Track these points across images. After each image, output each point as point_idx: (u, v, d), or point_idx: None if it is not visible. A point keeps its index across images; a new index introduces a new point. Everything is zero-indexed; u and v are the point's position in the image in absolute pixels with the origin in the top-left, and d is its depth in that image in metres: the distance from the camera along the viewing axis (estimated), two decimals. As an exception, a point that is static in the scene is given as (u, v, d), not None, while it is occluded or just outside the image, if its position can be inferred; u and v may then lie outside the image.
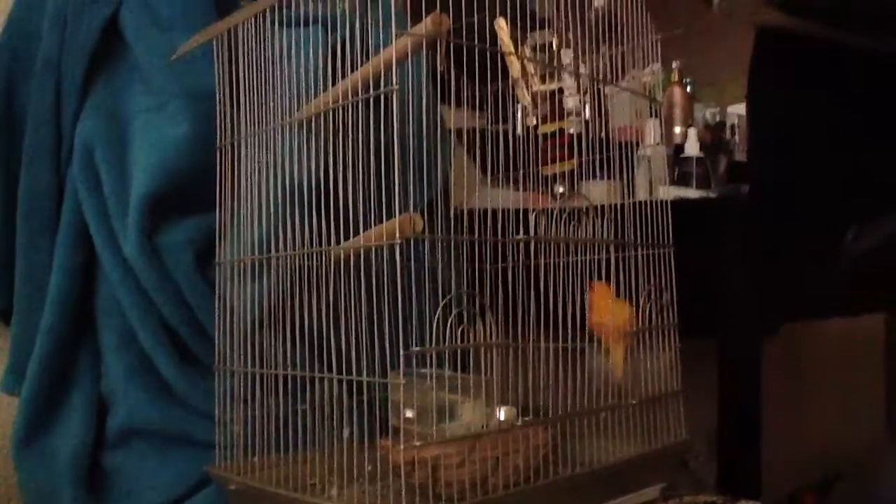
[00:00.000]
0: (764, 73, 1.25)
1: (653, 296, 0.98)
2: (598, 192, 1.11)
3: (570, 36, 1.00)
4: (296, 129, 0.94)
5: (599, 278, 0.95)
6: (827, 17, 1.11)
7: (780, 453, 1.63)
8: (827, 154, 1.25)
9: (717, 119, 1.92)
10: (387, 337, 0.78)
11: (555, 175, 1.12)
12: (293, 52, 0.95)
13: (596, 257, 0.96)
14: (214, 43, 1.00)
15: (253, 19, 0.95)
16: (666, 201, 1.01)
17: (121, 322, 1.10)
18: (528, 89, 1.18)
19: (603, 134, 1.08)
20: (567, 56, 1.22)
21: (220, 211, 1.00)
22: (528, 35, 1.42)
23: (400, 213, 0.76)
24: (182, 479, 1.05)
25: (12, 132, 1.18)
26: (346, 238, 0.87)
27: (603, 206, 0.97)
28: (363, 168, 0.84)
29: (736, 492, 1.33)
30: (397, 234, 0.75)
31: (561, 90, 1.21)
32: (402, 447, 0.76)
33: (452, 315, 0.77)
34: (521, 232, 0.90)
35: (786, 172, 1.28)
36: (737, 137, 1.82)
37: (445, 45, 0.79)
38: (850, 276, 1.32)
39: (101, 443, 1.10)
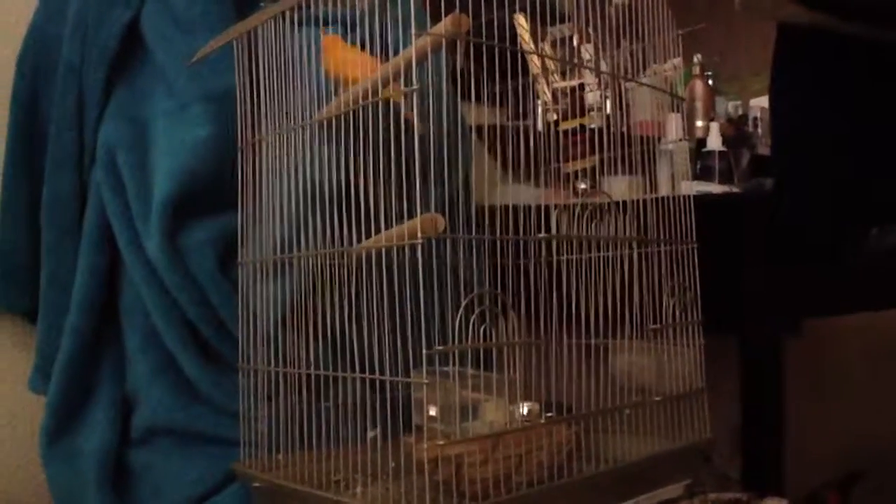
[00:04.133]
0: (787, 69, 1.24)
1: (676, 293, 0.97)
2: (619, 187, 1.10)
3: (591, 31, 1.00)
4: (316, 130, 0.94)
5: (622, 274, 0.95)
6: (848, 13, 1.09)
7: (803, 450, 1.62)
8: (851, 150, 1.24)
9: (739, 112, 1.91)
10: (409, 336, 0.78)
11: (576, 171, 1.12)
12: (313, 51, 0.96)
13: (618, 253, 0.95)
14: (234, 44, 1.01)
15: (272, 20, 0.95)
16: (688, 197, 1.00)
17: (145, 322, 1.11)
18: (548, 85, 1.18)
19: (624, 129, 1.07)
20: (587, 51, 1.21)
21: (242, 211, 1.01)
22: (548, 29, 1.41)
23: (421, 212, 0.76)
24: (207, 477, 1.05)
25: (36, 137, 1.19)
26: (368, 237, 0.87)
27: (625, 202, 0.97)
28: (383, 168, 0.84)
29: (759, 488, 1.32)
30: (419, 234, 0.75)
31: (581, 86, 1.20)
32: (425, 445, 0.76)
33: (475, 313, 0.77)
34: (543, 228, 0.90)
35: (809, 169, 1.27)
36: (759, 130, 1.81)
37: (465, 43, 0.79)
38: (874, 273, 1.30)
39: (126, 441, 1.11)
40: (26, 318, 1.24)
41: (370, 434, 0.87)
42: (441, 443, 0.77)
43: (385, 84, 0.84)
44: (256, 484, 0.93)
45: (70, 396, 1.12)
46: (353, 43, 1.00)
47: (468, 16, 0.79)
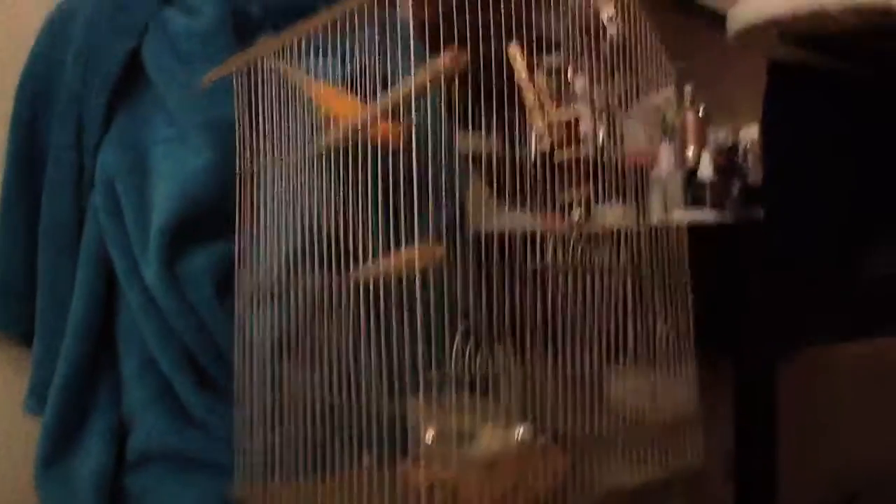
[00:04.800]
0: (778, 103, 1.26)
1: (669, 320, 0.98)
2: (612, 216, 1.11)
3: (584, 63, 1.02)
4: (314, 160, 0.95)
5: (614, 302, 0.96)
6: (842, 54, 1.12)
7: (796, 476, 1.62)
8: (842, 180, 1.25)
9: (730, 142, 1.93)
10: (406, 363, 0.78)
11: (570, 201, 1.13)
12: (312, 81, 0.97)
13: (611, 282, 0.96)
14: (234, 75, 1.02)
15: (273, 52, 0.97)
16: (682, 225, 1.02)
17: (141, 348, 1.11)
18: (543, 118, 1.19)
19: (617, 159, 1.09)
20: (580, 82, 1.23)
21: (239, 239, 1.02)
22: (541, 59, 1.43)
23: (419, 241, 0.77)
24: (201, 503, 1.06)
25: (35, 162, 1.20)
26: (365, 265, 0.88)
27: (618, 231, 0.98)
28: (381, 197, 0.85)
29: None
30: (417, 264, 0.76)
31: (577, 120, 1.21)
32: (422, 471, 0.77)
33: (470, 341, 0.78)
34: (537, 257, 0.91)
35: (801, 199, 1.28)
36: (749, 160, 1.83)
37: (461, 77, 0.80)
38: (868, 300, 1.32)
39: (121, 466, 1.11)
40: (22, 339, 1.24)
41: (364, 461, 0.88)
42: (437, 469, 0.77)
43: (384, 116, 0.86)
44: (252, 510, 0.93)
45: (66, 420, 1.12)
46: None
47: (464, 46, 0.80)
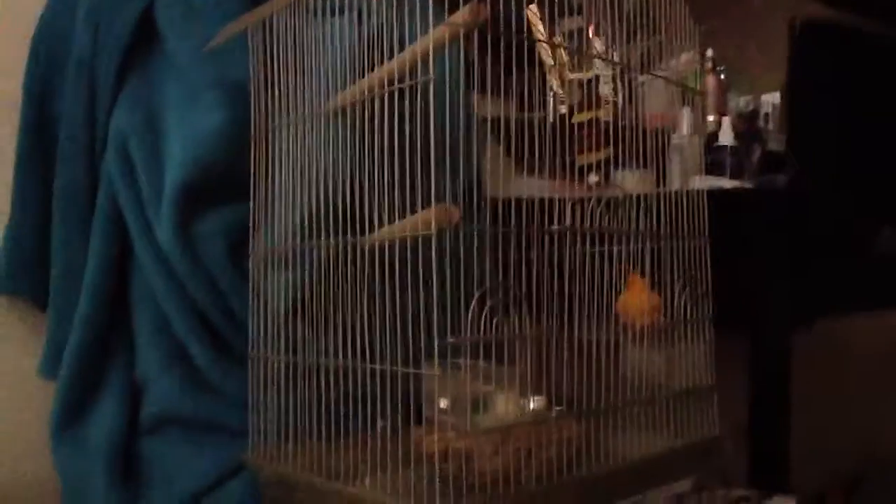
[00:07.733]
0: (803, 62, 1.23)
1: (687, 287, 0.97)
2: (631, 181, 1.09)
3: (604, 22, 0.99)
4: (330, 119, 0.94)
5: (633, 269, 0.95)
6: (868, 10, 1.09)
7: (809, 449, 1.61)
8: (867, 146, 1.23)
9: (750, 107, 1.89)
10: (421, 327, 0.77)
11: (589, 164, 1.11)
12: (327, 41, 0.95)
13: (630, 248, 0.95)
14: (249, 33, 1.00)
15: (287, 8, 0.95)
16: (701, 191, 1.00)
17: (155, 310, 1.11)
18: (560, 77, 1.17)
19: (636, 122, 1.06)
20: (600, 44, 1.20)
21: (254, 200, 1.01)
22: (560, 21, 1.40)
23: (433, 203, 0.76)
24: (215, 466, 1.06)
25: (47, 131, 1.19)
26: (380, 228, 0.87)
27: (637, 196, 0.96)
28: (397, 158, 0.84)
29: (765, 487, 1.32)
30: (433, 225, 0.75)
31: (596, 78, 1.19)
32: (436, 437, 0.76)
33: (487, 306, 0.76)
34: (555, 222, 0.89)
35: (824, 164, 1.26)
36: (770, 126, 1.80)
37: (479, 34, 0.78)
38: (886, 271, 1.30)
39: (135, 430, 1.11)
40: (36, 303, 1.24)
41: (379, 425, 0.87)
42: (451, 435, 0.77)
43: (401, 72, 0.84)
44: (265, 474, 0.93)
45: (80, 385, 1.12)
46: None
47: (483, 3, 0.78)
